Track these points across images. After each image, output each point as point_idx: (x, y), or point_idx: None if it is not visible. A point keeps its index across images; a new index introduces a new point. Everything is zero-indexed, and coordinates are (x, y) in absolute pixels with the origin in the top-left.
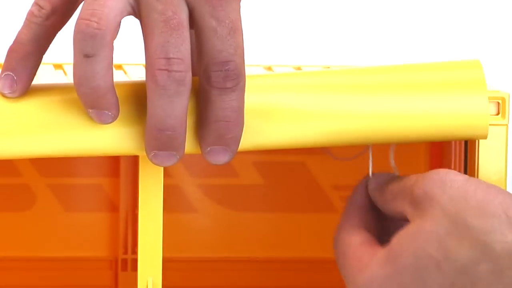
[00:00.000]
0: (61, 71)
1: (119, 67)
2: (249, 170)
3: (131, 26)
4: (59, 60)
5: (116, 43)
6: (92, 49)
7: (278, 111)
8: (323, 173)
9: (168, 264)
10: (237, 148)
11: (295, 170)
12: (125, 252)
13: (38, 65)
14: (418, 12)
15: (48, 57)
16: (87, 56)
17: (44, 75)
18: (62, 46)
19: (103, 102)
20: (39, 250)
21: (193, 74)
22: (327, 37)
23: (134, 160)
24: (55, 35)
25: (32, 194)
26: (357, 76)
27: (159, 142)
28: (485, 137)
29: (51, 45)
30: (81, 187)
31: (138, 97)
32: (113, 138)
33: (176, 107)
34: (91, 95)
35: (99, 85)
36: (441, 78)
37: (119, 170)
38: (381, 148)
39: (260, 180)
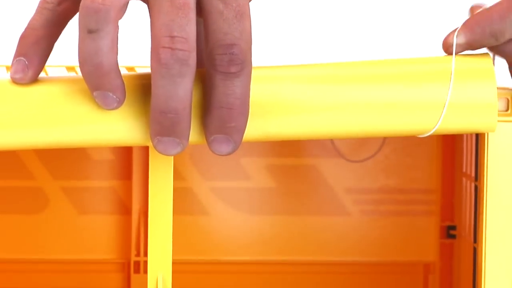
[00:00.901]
0: (73, 73)
1: (132, 69)
2: (261, 173)
3: (143, 28)
4: (72, 63)
5: (128, 45)
6: (96, 24)
7: (279, 101)
8: (335, 177)
9: (180, 266)
10: (241, 140)
11: (307, 173)
12: (138, 254)
13: (50, 51)
14: (424, 11)
15: (61, 59)
16: (90, 31)
17: None
18: (75, 48)
19: (107, 81)
20: (52, 253)
21: (201, 65)
22: (336, 38)
23: (146, 163)
24: (66, 22)
25: (45, 197)
26: (365, 68)
27: (162, 127)
28: (493, 130)
29: (63, 48)
30: (94, 189)
31: (147, 88)
32: (122, 128)
33: (179, 88)
34: (95, 73)
35: (102, 62)
36: (450, 71)
37: (132, 173)
38: (390, 145)
39: (272, 183)
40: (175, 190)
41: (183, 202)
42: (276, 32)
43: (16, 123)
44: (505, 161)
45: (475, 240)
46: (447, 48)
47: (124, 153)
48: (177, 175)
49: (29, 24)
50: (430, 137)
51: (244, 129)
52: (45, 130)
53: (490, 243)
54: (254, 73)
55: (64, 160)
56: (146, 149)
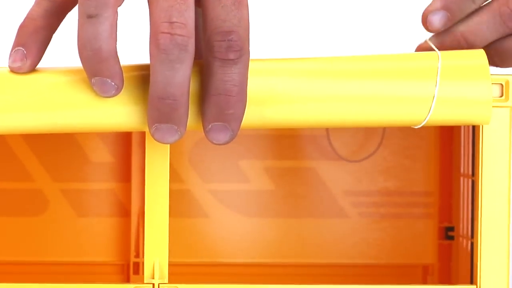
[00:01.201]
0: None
1: None
2: (260, 175)
3: (143, 34)
4: (75, 64)
5: (129, 51)
6: (95, 9)
7: (274, 92)
8: (334, 179)
9: (179, 268)
10: (238, 128)
11: (306, 175)
12: (137, 256)
13: (48, 41)
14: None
15: (65, 62)
16: (90, 16)
17: None
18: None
19: (105, 67)
20: (52, 255)
21: (200, 55)
22: (332, 32)
23: (145, 165)
24: (66, 13)
25: (45, 199)
26: (359, 61)
27: (160, 113)
28: (487, 122)
29: (69, 51)
30: (93, 192)
31: (146, 77)
32: (120, 113)
33: (178, 74)
34: (93, 59)
35: (101, 47)
36: (445, 65)
37: (131, 175)
38: (388, 147)
39: (271, 185)
40: (174, 192)
41: (182, 204)
42: (271, 27)
43: (12, 108)
44: (500, 147)
45: (472, 235)
46: (425, 19)
47: (124, 156)
48: (176, 177)
49: (28, 14)
50: (428, 138)
51: (242, 117)
52: (42, 115)
53: (485, 234)
54: (250, 66)
55: (63, 163)
56: (145, 151)
